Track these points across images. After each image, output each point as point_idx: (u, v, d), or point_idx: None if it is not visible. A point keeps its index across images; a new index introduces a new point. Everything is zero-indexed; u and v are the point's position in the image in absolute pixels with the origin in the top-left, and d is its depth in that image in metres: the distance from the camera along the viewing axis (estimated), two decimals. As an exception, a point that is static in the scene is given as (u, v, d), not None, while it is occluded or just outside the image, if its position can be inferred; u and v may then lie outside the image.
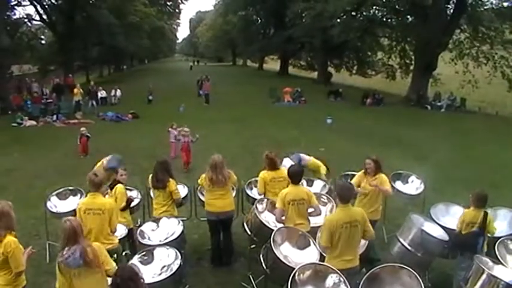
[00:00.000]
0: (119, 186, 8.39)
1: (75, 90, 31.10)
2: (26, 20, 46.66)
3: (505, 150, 20.62)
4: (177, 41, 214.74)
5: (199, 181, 9.30)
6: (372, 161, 9.11)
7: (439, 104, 36.51)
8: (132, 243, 8.33)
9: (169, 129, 18.01)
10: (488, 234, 7.70)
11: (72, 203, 9.94)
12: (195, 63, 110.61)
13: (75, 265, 5.42)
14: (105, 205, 7.04)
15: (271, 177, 9.07)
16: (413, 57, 41.73)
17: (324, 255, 6.93)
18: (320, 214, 8.24)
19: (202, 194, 10.08)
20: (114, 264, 5.65)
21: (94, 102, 32.30)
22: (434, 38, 35.39)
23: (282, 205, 7.75)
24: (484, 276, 6.61)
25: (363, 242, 7.08)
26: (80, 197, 9.99)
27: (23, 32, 46.21)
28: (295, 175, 8.02)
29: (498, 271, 6.84)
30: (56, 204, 9.97)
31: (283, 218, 7.81)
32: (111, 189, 8.37)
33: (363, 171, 9.33)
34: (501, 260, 7.26)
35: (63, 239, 5.57)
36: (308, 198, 7.88)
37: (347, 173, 11.05)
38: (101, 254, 5.57)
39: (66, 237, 5.53)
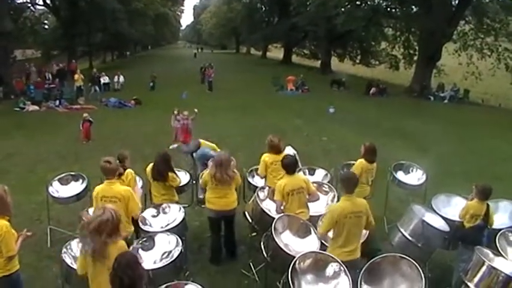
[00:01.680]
0: (129, 171, 8.34)
1: (76, 76, 31.17)
2: (29, 5, 46.65)
3: (507, 143, 20.61)
4: (181, 28, 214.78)
5: (201, 179, 9.04)
6: (362, 146, 9.49)
7: (442, 95, 36.50)
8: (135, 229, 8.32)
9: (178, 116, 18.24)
10: (488, 226, 7.72)
11: (74, 188, 9.97)
12: (199, 50, 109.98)
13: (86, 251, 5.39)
14: (121, 192, 6.97)
15: (272, 161, 9.06)
16: (417, 47, 41.61)
17: (325, 243, 6.95)
18: (318, 199, 8.26)
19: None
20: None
21: (97, 88, 32.26)
22: (439, 28, 35.29)
23: (280, 197, 7.76)
24: (484, 267, 6.61)
25: (363, 232, 7.10)
26: (82, 183, 10.01)
27: (26, 17, 46.01)
28: (290, 165, 7.99)
29: (498, 263, 6.83)
30: (57, 189, 9.97)
31: (283, 208, 7.84)
32: (119, 176, 8.27)
33: None
34: (502, 252, 7.26)
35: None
36: (306, 185, 7.92)
37: (348, 162, 11.05)
38: (112, 254, 5.43)
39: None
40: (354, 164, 10.09)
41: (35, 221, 10.78)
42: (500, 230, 7.80)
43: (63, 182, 10.19)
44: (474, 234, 7.55)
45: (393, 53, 46.87)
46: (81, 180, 10.12)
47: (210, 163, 8.86)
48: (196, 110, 17.61)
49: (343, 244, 6.54)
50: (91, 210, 8.26)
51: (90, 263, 5.38)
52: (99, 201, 7.03)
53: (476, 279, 6.63)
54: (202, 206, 9.98)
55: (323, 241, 7.03)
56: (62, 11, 48.65)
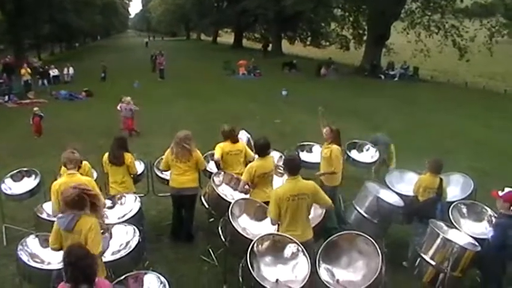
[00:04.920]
0: (86, 163, 8.25)
1: (23, 71, 30.55)
2: (-28, -1, 45.28)
3: (456, 118, 21.10)
4: (130, 17, 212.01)
5: (163, 161, 9.14)
6: (329, 129, 9.27)
7: (392, 73, 37.06)
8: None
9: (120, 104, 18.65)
10: (441, 200, 7.88)
11: (27, 184, 9.80)
12: (151, 38, 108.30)
13: (64, 227, 5.34)
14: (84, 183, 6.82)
15: (228, 150, 9.09)
16: (366, 27, 41.99)
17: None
18: None
19: (159, 170, 10.04)
20: (99, 248, 5.51)
21: (45, 81, 31.70)
22: (387, 8, 35.63)
23: (248, 178, 7.83)
24: (438, 240, 6.77)
25: (319, 211, 7.15)
26: (35, 178, 9.85)
27: (-31, 11, 44.75)
28: (263, 148, 8.02)
29: (452, 235, 7.01)
30: (10, 187, 9.77)
31: (247, 188, 7.95)
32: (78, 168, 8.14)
33: None
34: (455, 223, 7.46)
35: (63, 204, 5.46)
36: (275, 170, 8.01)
37: (302, 143, 11.14)
38: (89, 231, 5.34)
39: (65, 203, 5.42)
40: (308, 145, 10.19)
41: (-11, 220, 10.57)
42: (453, 202, 8.00)
43: (16, 178, 10.00)
44: (428, 208, 7.70)
45: (343, 33, 47.18)
46: (34, 176, 9.95)
47: None
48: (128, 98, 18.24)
49: (289, 227, 6.52)
50: (46, 206, 8.17)
51: (65, 235, 5.43)
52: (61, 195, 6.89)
53: (431, 252, 6.80)
54: (159, 195, 9.98)
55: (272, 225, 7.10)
56: (7, 3, 47.21)
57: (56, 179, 8.77)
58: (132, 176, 8.97)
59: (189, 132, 8.87)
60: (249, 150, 9.44)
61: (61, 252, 5.29)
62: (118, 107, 18.34)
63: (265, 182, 7.91)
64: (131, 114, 18.32)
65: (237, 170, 9.05)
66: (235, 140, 9.25)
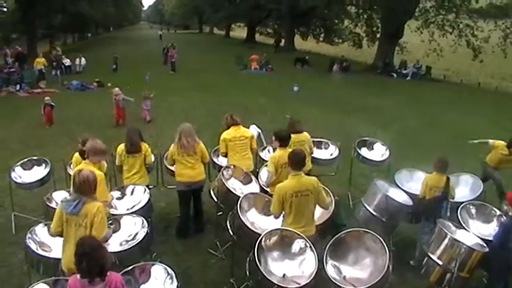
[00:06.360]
0: None
1: (38, 60, 30.59)
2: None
3: (468, 118, 20.98)
4: (143, 9, 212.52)
5: (168, 155, 9.20)
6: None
7: (404, 72, 36.86)
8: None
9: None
10: (449, 199, 7.86)
11: (37, 173, 9.84)
12: (164, 31, 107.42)
13: (69, 211, 5.41)
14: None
15: (232, 137, 9.16)
16: (379, 25, 41.85)
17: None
18: None
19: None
20: (104, 232, 5.57)
21: (58, 72, 31.77)
22: (401, 6, 35.48)
23: (274, 169, 7.83)
24: (446, 240, 6.76)
25: (330, 209, 7.15)
26: (45, 167, 9.89)
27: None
28: (284, 139, 8.08)
29: (460, 235, 7.00)
30: (20, 175, 9.82)
31: (273, 180, 7.93)
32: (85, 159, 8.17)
33: None
34: (463, 224, 7.45)
35: (73, 186, 5.67)
36: None
37: (313, 139, 11.10)
38: (96, 215, 5.49)
39: (75, 185, 5.59)
40: (318, 141, 10.21)
41: (-2, 207, 10.64)
42: (462, 203, 7.98)
43: (26, 167, 10.04)
44: (433, 206, 7.70)
45: (356, 30, 47.04)
46: (44, 165, 9.99)
47: None
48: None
49: (294, 222, 6.54)
50: (55, 195, 8.22)
51: (67, 218, 5.54)
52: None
53: (438, 251, 6.80)
54: (168, 187, 9.99)
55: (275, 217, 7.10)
56: (21, -7, 47.43)
57: (65, 168, 8.83)
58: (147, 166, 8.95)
59: (189, 126, 8.87)
60: (254, 140, 9.57)
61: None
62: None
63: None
64: (123, 104, 18.71)
65: (246, 153, 9.30)
66: (236, 124, 9.37)
